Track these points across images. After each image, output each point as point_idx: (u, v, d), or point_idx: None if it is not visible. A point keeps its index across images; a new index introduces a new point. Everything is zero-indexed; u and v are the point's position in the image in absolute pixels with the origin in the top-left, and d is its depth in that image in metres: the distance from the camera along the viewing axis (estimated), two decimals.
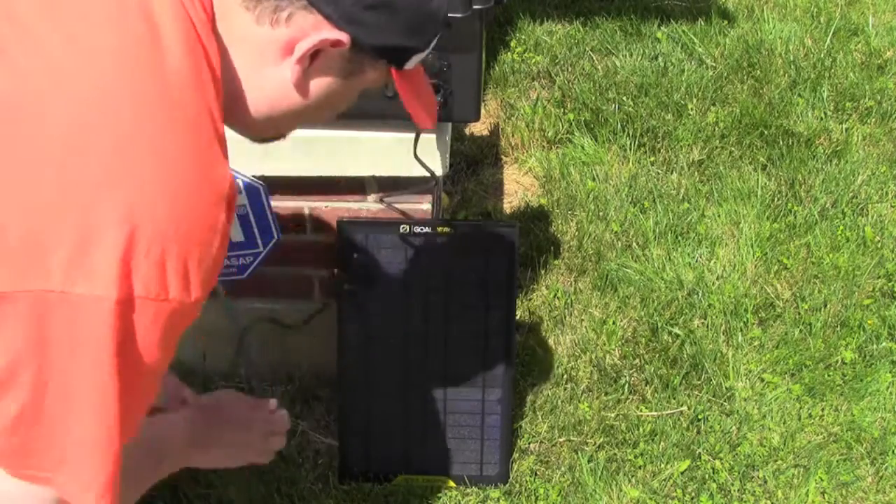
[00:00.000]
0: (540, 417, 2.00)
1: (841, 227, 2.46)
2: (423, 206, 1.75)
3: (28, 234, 0.73)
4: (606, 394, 2.06)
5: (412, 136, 1.54)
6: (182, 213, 0.78)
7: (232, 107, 0.91)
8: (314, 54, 0.90)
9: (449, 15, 1.39)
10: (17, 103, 0.76)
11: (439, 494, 1.87)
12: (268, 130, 0.99)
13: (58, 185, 0.74)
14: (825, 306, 2.25)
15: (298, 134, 1.60)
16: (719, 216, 2.50)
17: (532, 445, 1.95)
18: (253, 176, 1.63)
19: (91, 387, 0.76)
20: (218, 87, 0.87)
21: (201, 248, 0.79)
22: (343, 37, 0.89)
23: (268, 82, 0.92)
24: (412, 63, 0.99)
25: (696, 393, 2.06)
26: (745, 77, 3.00)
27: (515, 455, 1.93)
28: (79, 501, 0.80)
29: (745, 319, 2.22)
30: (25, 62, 0.78)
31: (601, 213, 2.49)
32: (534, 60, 3.07)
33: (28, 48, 0.78)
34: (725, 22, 3.23)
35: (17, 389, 0.75)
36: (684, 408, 2.03)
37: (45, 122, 0.76)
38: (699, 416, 2.02)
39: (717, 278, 2.32)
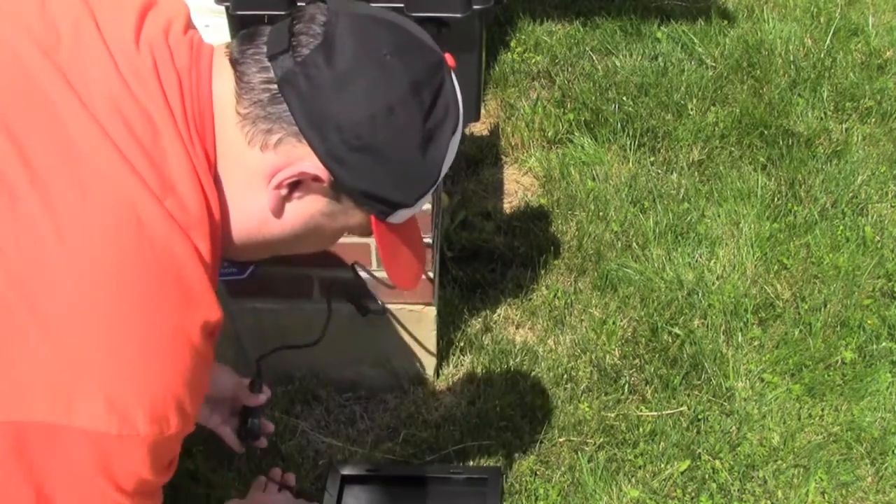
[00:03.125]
0: (540, 417, 2.00)
1: (841, 227, 2.46)
2: (422, 206, 1.75)
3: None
4: (606, 394, 2.06)
5: None
6: (157, 379, 0.84)
7: (225, 236, 0.94)
8: (295, 184, 0.91)
9: (449, 15, 1.39)
10: (28, 265, 0.81)
11: None
12: (243, 255, 1.00)
13: (56, 352, 0.80)
14: (825, 306, 2.25)
15: None
16: (719, 216, 2.50)
17: (532, 445, 1.95)
18: None
19: None
20: (215, 231, 0.90)
21: (176, 397, 0.85)
22: (323, 173, 0.90)
23: (248, 207, 0.93)
24: (398, 217, 0.97)
25: (696, 393, 2.06)
26: (745, 77, 3.00)
27: (515, 455, 1.93)
28: None
29: (745, 319, 2.22)
30: (38, 218, 0.82)
31: (601, 213, 2.49)
32: (534, 60, 3.07)
33: (41, 201, 0.82)
34: (725, 22, 3.23)
35: None
36: (684, 408, 2.03)
37: (53, 292, 0.81)
38: (699, 416, 2.02)
39: (717, 278, 2.32)
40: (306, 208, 0.94)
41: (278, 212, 0.93)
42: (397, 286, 1.02)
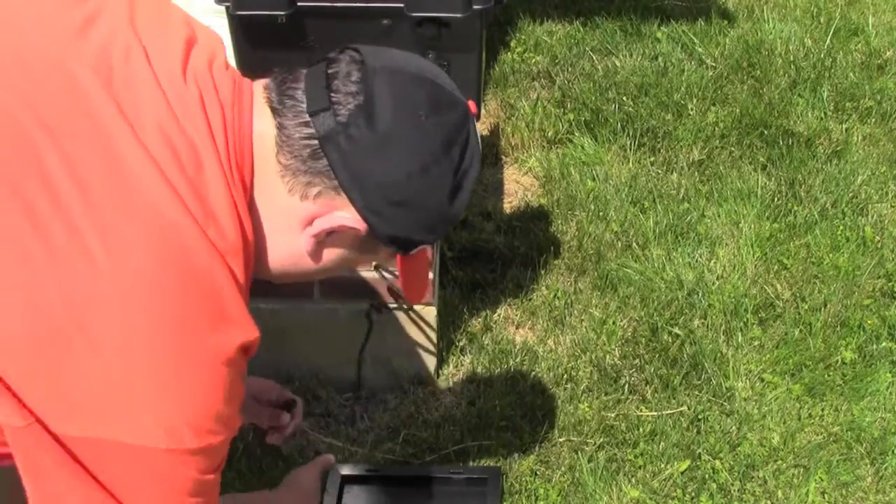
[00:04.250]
0: (540, 417, 2.00)
1: (841, 227, 2.46)
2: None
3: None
4: (606, 394, 2.06)
5: None
6: (198, 396, 0.90)
7: (257, 261, 1.00)
8: (331, 231, 0.98)
9: (449, 15, 1.39)
10: (79, 285, 0.85)
11: None
12: (284, 280, 1.08)
13: (106, 374, 0.85)
14: (825, 306, 2.25)
15: None
16: (719, 216, 2.50)
17: (532, 445, 1.95)
18: None
19: None
20: (248, 259, 0.95)
21: (217, 411, 0.91)
22: (361, 225, 0.98)
23: (286, 247, 1.00)
24: (418, 249, 1.06)
25: (696, 393, 2.06)
26: (745, 77, 3.00)
27: (515, 455, 1.93)
28: None
29: (745, 319, 2.22)
30: (90, 239, 0.85)
31: (601, 213, 2.49)
32: (534, 60, 3.07)
33: (92, 222, 0.86)
34: (725, 22, 3.23)
35: None
36: (684, 408, 2.03)
37: (101, 314, 0.85)
38: (699, 416, 2.02)
39: (717, 278, 2.32)
40: (340, 250, 1.03)
41: (315, 253, 1.01)
42: (410, 300, 1.13)
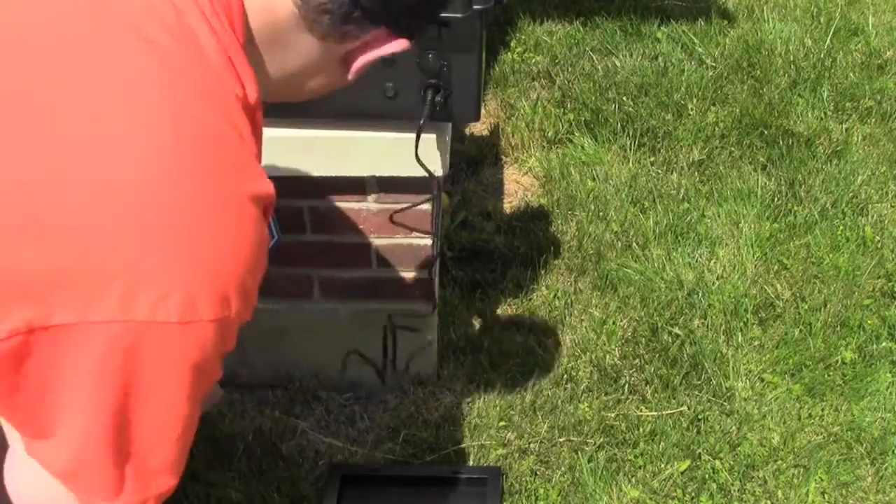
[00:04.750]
0: (540, 417, 2.00)
1: (841, 227, 2.46)
2: (423, 206, 1.75)
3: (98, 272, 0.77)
4: (606, 394, 2.06)
5: (412, 136, 1.54)
6: (222, 261, 0.81)
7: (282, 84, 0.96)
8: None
9: (449, 15, 1.39)
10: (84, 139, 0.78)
11: None
12: (273, 98, 1.01)
13: (119, 232, 0.77)
14: (825, 306, 2.25)
15: (298, 134, 1.61)
16: (719, 216, 2.50)
17: (532, 445, 1.95)
18: None
19: (173, 400, 0.83)
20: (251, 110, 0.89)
21: (237, 277, 0.82)
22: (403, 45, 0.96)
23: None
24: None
25: (696, 393, 2.06)
26: (745, 77, 3.00)
27: (515, 455, 1.93)
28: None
29: (745, 319, 2.22)
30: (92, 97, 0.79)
31: (601, 213, 2.49)
32: (534, 60, 3.07)
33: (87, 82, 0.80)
34: (725, 22, 3.23)
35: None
36: (684, 408, 2.03)
37: (114, 170, 0.78)
38: (699, 416, 2.02)
39: (717, 278, 2.32)
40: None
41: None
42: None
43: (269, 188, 0.87)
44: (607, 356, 2.13)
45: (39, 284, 0.75)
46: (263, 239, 0.86)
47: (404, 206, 1.73)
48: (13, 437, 0.88)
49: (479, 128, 2.82)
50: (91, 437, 0.80)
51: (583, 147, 2.72)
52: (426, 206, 1.75)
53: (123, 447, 0.81)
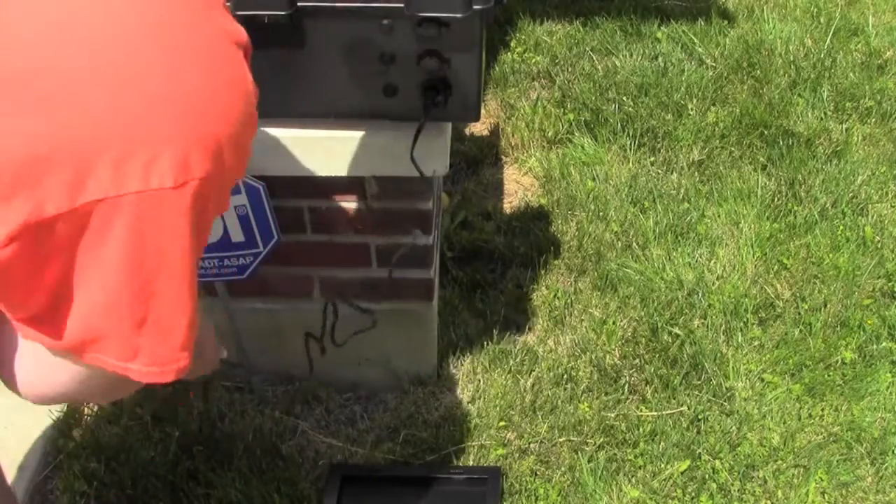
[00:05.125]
0: (540, 417, 2.00)
1: (841, 227, 2.46)
2: (423, 206, 1.75)
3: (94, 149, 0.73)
4: (606, 394, 2.06)
5: (412, 135, 1.54)
6: (211, 110, 0.77)
7: None
8: None
9: (449, 15, 1.39)
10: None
11: None
12: None
13: (114, 104, 0.73)
14: (825, 306, 2.25)
15: (298, 134, 1.60)
16: (719, 216, 2.50)
17: (532, 445, 1.95)
18: (253, 176, 1.63)
19: (178, 256, 0.79)
20: None
21: (230, 126, 0.78)
22: None
23: None
24: None
25: (696, 393, 2.06)
26: (745, 77, 3.00)
27: (515, 455, 1.93)
28: (170, 363, 0.84)
29: (745, 319, 2.22)
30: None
31: (601, 213, 2.49)
32: (534, 60, 3.07)
33: None
34: (725, 22, 3.23)
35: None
36: (684, 408, 2.03)
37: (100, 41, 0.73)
38: (699, 416, 2.02)
39: (717, 278, 2.32)
40: None
41: None
42: None
43: (244, 31, 0.82)
44: (607, 356, 2.13)
45: (25, 177, 0.72)
46: (251, 87, 0.82)
47: (404, 206, 1.73)
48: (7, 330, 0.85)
49: (479, 128, 2.82)
50: (109, 307, 0.79)
51: (583, 147, 2.72)
52: (426, 206, 1.75)
53: (140, 314, 0.80)
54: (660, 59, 3.05)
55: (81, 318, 0.79)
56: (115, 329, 0.80)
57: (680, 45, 3.12)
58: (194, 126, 0.75)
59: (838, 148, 2.73)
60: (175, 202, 0.75)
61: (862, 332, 2.19)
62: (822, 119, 2.84)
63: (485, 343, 2.15)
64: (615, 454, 1.94)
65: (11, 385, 0.91)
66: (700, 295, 2.26)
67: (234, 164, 0.79)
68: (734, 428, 1.99)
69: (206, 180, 0.76)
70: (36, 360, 0.85)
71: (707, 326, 2.20)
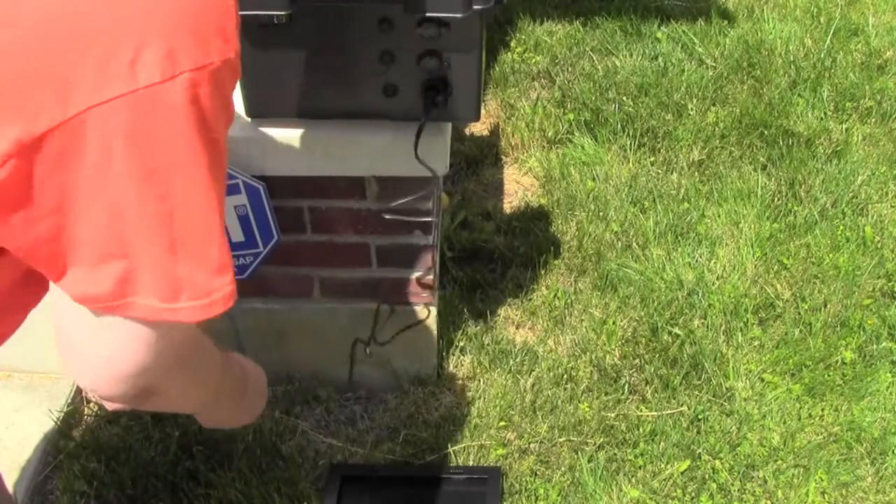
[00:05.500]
0: (540, 417, 2.00)
1: (841, 227, 2.46)
2: (423, 206, 1.75)
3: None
4: (606, 394, 2.06)
5: (412, 136, 1.54)
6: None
7: None
8: None
9: (449, 15, 1.39)
10: None
11: None
12: None
13: (86, 7, 0.72)
14: (825, 306, 2.25)
15: (298, 134, 1.60)
16: (719, 216, 2.50)
17: (532, 445, 1.95)
18: (253, 176, 1.63)
19: (189, 159, 0.76)
20: None
21: (210, 13, 0.77)
22: None
23: None
24: None
25: (696, 393, 2.06)
26: (745, 77, 3.00)
27: (515, 455, 1.93)
28: (212, 287, 0.80)
29: (745, 319, 2.22)
30: None
31: (601, 213, 2.49)
32: (534, 60, 3.07)
33: None
34: (725, 22, 3.23)
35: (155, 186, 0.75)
36: (684, 408, 2.03)
37: None
38: (699, 416, 2.02)
39: (717, 278, 2.32)
40: None
41: None
42: None
43: None
44: (607, 356, 2.13)
45: (11, 93, 0.71)
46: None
47: (404, 206, 1.73)
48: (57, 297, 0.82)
49: (479, 128, 2.82)
50: (133, 226, 0.75)
51: (583, 147, 2.72)
52: (426, 206, 1.75)
53: (167, 234, 0.76)
54: (660, 59, 3.05)
55: (104, 243, 0.75)
56: (146, 254, 0.76)
57: (680, 45, 3.12)
58: (174, 17, 0.73)
59: (838, 148, 2.73)
60: (168, 96, 0.73)
61: (862, 332, 2.19)
62: (822, 119, 2.84)
63: (485, 343, 2.15)
64: (615, 454, 1.94)
65: (96, 378, 0.85)
66: (700, 295, 2.26)
67: (224, 49, 0.77)
68: (734, 428, 1.99)
69: (196, 71, 0.74)
70: (93, 336, 0.81)
71: (707, 326, 2.20)
